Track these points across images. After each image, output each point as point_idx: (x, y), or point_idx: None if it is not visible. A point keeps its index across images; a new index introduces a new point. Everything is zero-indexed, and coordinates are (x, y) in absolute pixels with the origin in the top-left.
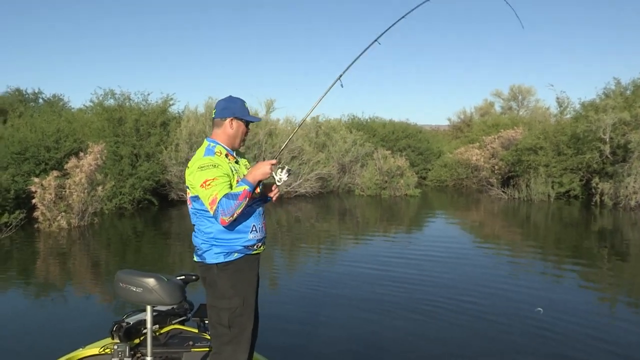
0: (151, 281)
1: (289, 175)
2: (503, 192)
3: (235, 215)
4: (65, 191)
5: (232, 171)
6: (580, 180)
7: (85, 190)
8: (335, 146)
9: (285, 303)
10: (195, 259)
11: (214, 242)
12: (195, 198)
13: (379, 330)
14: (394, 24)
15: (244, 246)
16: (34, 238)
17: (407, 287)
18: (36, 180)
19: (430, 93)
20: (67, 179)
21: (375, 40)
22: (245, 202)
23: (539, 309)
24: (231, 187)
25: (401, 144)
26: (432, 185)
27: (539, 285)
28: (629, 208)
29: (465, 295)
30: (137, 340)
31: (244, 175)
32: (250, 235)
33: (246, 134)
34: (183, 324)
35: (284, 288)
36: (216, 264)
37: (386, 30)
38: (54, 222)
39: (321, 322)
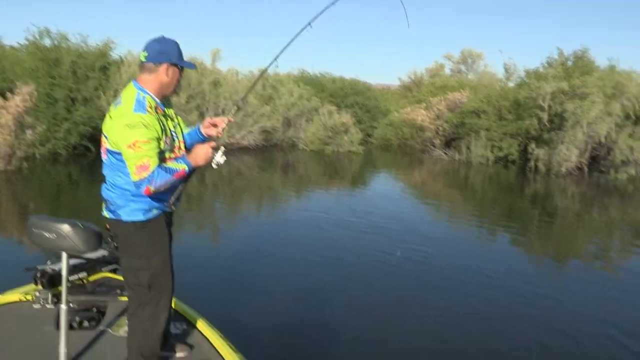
0: (65, 227)
1: (224, 158)
2: (445, 153)
3: (162, 189)
4: None
5: (162, 129)
6: (519, 145)
7: (13, 133)
8: (281, 99)
9: (223, 257)
10: (107, 214)
11: (131, 199)
12: (115, 153)
13: (318, 277)
14: None
15: (164, 204)
16: None
17: (346, 242)
18: None
19: (383, 52)
20: None
21: None
22: (176, 182)
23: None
24: (160, 149)
25: (349, 101)
26: (377, 143)
27: (474, 243)
28: (560, 175)
29: (402, 248)
30: (60, 288)
31: (184, 155)
32: (171, 195)
33: (179, 80)
34: (115, 273)
35: (223, 240)
36: (134, 221)
37: None
38: None
39: (259, 274)
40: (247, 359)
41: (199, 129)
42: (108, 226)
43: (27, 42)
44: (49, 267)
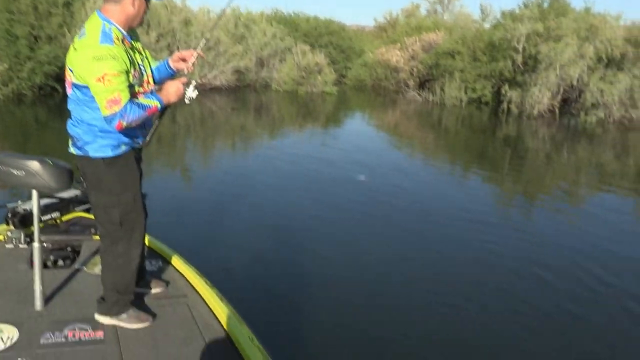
0: (34, 164)
1: (196, 93)
2: (418, 94)
3: (133, 125)
4: None
5: (130, 61)
6: (492, 87)
7: None
8: (254, 39)
9: (197, 196)
10: (74, 151)
11: (99, 134)
12: (81, 87)
13: (292, 213)
14: None
15: (133, 139)
16: None
17: (317, 180)
18: None
19: None
20: None
21: None
22: (148, 118)
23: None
24: (129, 83)
25: (323, 41)
26: (351, 84)
27: (445, 182)
28: (532, 117)
29: (376, 190)
30: (33, 227)
31: (154, 91)
32: (142, 131)
33: (146, 12)
34: (88, 212)
35: (196, 180)
36: (102, 158)
37: None
38: None
39: (232, 212)
40: (222, 294)
41: (167, 63)
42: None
43: None
44: (21, 206)
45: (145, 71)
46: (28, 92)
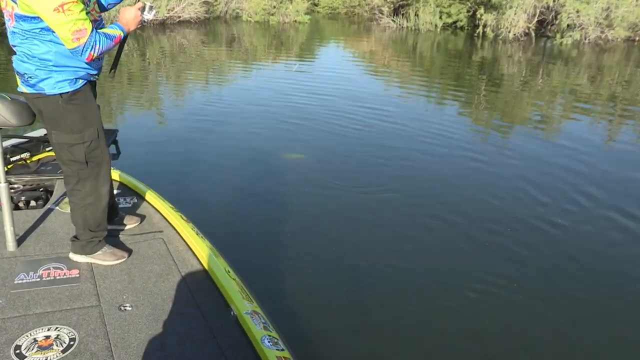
0: None
1: (154, 12)
2: (393, 20)
3: (100, 55)
4: None
5: None
6: (468, 11)
7: None
8: None
9: (169, 132)
10: (25, 89)
11: (54, 69)
12: (28, 18)
13: (265, 146)
14: None
15: (88, 73)
16: None
17: (299, 112)
18: None
19: None
20: None
21: None
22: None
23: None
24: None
25: None
26: (323, 12)
27: (418, 115)
28: (508, 40)
29: (353, 114)
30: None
31: (101, 17)
32: (95, 62)
33: None
34: None
35: (168, 117)
36: (60, 94)
37: None
38: None
39: (205, 148)
40: (197, 228)
41: None
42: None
43: None
44: None
45: None
46: None
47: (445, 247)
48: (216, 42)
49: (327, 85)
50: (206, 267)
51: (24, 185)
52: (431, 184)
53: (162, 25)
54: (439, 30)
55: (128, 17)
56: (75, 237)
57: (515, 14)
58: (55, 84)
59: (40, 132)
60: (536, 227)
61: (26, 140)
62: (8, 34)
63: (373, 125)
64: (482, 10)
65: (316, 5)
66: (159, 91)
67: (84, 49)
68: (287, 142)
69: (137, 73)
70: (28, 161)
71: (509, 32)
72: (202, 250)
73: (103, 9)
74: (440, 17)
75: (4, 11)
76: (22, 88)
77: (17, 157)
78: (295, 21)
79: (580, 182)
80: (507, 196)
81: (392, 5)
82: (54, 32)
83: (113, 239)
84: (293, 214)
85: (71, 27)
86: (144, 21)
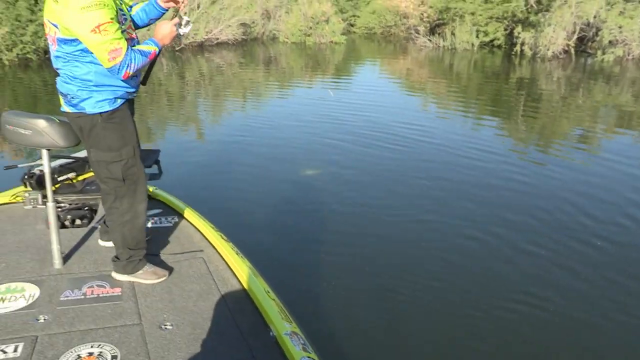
0: (41, 122)
1: (190, 26)
2: (429, 40)
3: (136, 72)
4: None
5: (118, 11)
6: (505, 29)
7: None
8: None
9: (208, 152)
10: (68, 109)
11: (94, 89)
12: (69, 41)
13: (303, 164)
14: None
15: (127, 92)
16: None
17: (336, 130)
18: None
19: None
20: None
21: None
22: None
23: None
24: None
25: None
26: (360, 32)
27: (457, 133)
28: (546, 58)
29: (390, 132)
30: (52, 188)
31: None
32: (133, 81)
33: None
34: None
35: (207, 136)
36: (100, 113)
37: None
38: None
39: (243, 166)
40: (237, 247)
41: (156, 2)
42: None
43: None
44: (37, 168)
45: (127, 16)
46: (33, 57)
47: (484, 268)
48: (253, 63)
49: (363, 103)
50: (246, 287)
51: (70, 204)
52: (469, 203)
53: (200, 47)
54: (475, 49)
55: (164, 32)
56: (116, 256)
57: (554, 31)
58: (95, 104)
59: (85, 153)
60: (577, 249)
61: (72, 160)
62: (52, 58)
63: (410, 143)
64: (519, 29)
65: (352, 25)
66: (196, 111)
67: (120, 67)
68: (325, 160)
69: (176, 93)
70: (74, 180)
71: (548, 49)
72: (241, 270)
73: (138, 27)
74: (477, 36)
75: (47, 37)
76: (65, 108)
77: (64, 177)
78: (332, 42)
79: (623, 202)
80: (546, 217)
81: (428, 25)
82: (92, 52)
83: (154, 258)
84: (331, 234)
85: (107, 47)
86: (180, 35)
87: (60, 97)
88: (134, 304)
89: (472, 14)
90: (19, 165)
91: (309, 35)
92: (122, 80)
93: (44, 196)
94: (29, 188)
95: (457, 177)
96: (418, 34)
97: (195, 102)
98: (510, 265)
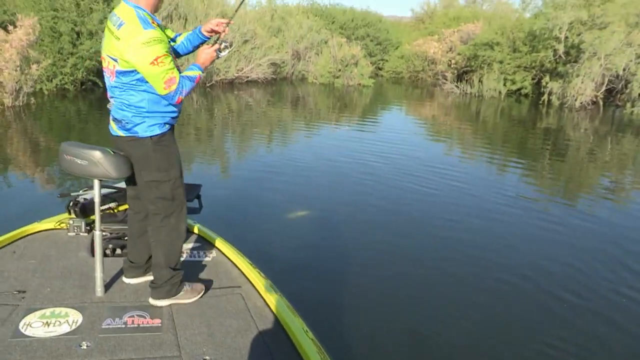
0: (97, 154)
1: (228, 50)
2: (456, 86)
3: (186, 96)
4: None
5: (169, 44)
6: (532, 79)
7: (18, 68)
8: (290, 31)
9: (238, 187)
10: (121, 133)
11: (146, 115)
12: (127, 72)
13: (333, 202)
14: None
15: (172, 117)
16: None
17: (364, 169)
18: None
19: None
20: None
21: None
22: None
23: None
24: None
25: (360, 33)
26: (387, 76)
27: (481, 181)
28: (574, 109)
29: (411, 180)
30: (93, 217)
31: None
32: (178, 107)
33: None
34: None
35: (239, 172)
36: (151, 137)
37: None
38: None
39: (273, 203)
40: (275, 284)
41: (200, 31)
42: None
43: None
44: (81, 196)
45: (171, 47)
46: (70, 87)
47: (512, 313)
48: (281, 102)
49: (389, 145)
50: (284, 325)
51: (110, 234)
52: (494, 247)
53: (230, 84)
54: (502, 96)
55: (205, 57)
56: (153, 282)
57: (582, 82)
58: (147, 128)
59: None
60: (605, 297)
61: (114, 190)
62: (108, 88)
63: (434, 186)
64: (547, 78)
65: (380, 69)
66: (225, 146)
67: (175, 94)
68: (353, 199)
69: (205, 129)
70: (115, 210)
71: (576, 100)
72: (280, 307)
73: (179, 55)
74: (505, 84)
75: (105, 70)
76: (119, 132)
77: (106, 207)
78: (360, 84)
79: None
80: (571, 265)
81: (455, 71)
82: (147, 82)
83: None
84: (367, 274)
85: (164, 77)
86: (218, 57)
87: (113, 123)
88: (174, 336)
89: (500, 62)
90: (72, 194)
91: (337, 77)
92: (172, 106)
93: (87, 224)
94: (73, 215)
95: (479, 220)
96: (445, 79)
97: (223, 137)
98: (536, 311)
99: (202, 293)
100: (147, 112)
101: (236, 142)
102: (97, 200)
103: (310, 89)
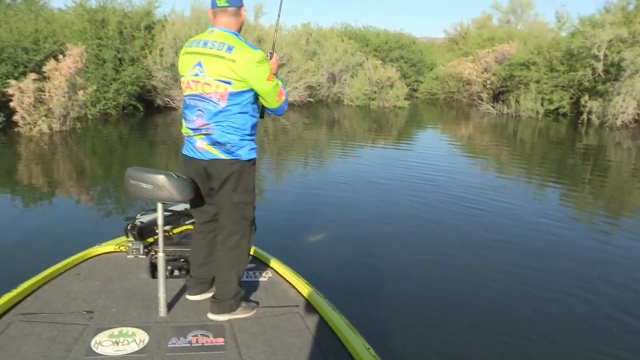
0: (161, 178)
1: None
2: (492, 107)
3: None
4: (45, 95)
5: None
6: (570, 98)
7: (66, 95)
8: (325, 55)
9: (286, 210)
10: (224, 156)
11: (247, 138)
12: (240, 93)
13: (374, 222)
14: None
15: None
16: (16, 142)
17: (394, 194)
18: (13, 83)
19: (429, 3)
20: (47, 82)
21: None
22: None
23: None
24: None
25: (394, 55)
26: (422, 97)
27: (521, 200)
28: (615, 127)
29: (449, 201)
30: (150, 239)
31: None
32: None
33: None
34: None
35: (276, 194)
36: (249, 159)
37: None
38: (34, 126)
39: (322, 221)
40: (333, 305)
41: None
42: (209, 168)
43: (74, 4)
44: (138, 219)
45: None
46: (113, 112)
47: (565, 331)
48: (318, 124)
49: (429, 166)
50: (345, 343)
51: (167, 256)
52: (543, 267)
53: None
54: (540, 116)
55: (274, 65)
56: (215, 297)
57: (623, 100)
58: (248, 151)
59: (180, 207)
60: None
61: (169, 213)
62: (208, 114)
63: (477, 205)
64: (586, 97)
65: (415, 90)
66: (260, 171)
67: (284, 104)
68: (398, 219)
69: None
70: (170, 233)
71: (617, 118)
72: (339, 325)
73: None
74: (542, 104)
75: (208, 95)
76: (220, 155)
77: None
78: (395, 106)
79: None
80: (613, 290)
81: (491, 92)
82: (253, 103)
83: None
84: (420, 293)
85: (276, 90)
86: None
87: (211, 147)
88: (238, 355)
89: (537, 82)
90: (136, 217)
91: (373, 99)
92: (256, 128)
93: (145, 247)
94: (130, 238)
95: (526, 240)
96: (481, 100)
97: (261, 159)
98: (589, 331)
99: (255, 310)
100: (249, 135)
101: (274, 165)
102: (160, 222)
103: (346, 111)
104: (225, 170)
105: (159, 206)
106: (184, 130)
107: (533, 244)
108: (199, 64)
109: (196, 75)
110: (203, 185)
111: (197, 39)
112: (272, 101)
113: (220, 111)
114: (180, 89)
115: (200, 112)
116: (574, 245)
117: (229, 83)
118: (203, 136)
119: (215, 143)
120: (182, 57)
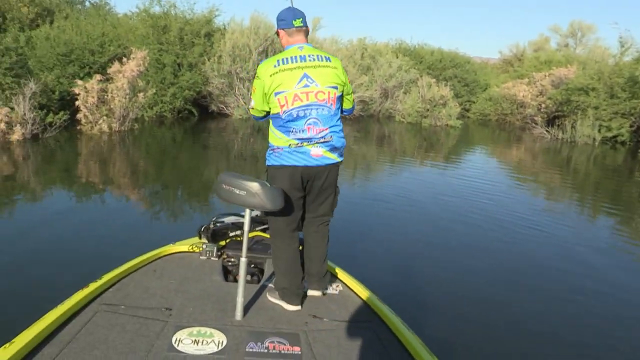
0: (255, 185)
1: None
2: (547, 131)
3: None
4: (107, 95)
5: None
6: (630, 126)
7: (127, 96)
8: (379, 70)
9: (357, 222)
10: (339, 159)
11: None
12: (340, 97)
13: (425, 241)
14: None
15: None
16: (78, 139)
17: (438, 215)
18: (80, 82)
19: (484, 23)
20: (110, 83)
21: None
22: None
23: None
24: None
25: (447, 74)
26: (474, 118)
27: (575, 228)
28: None
29: (495, 226)
30: (222, 243)
31: None
32: None
33: None
34: (265, 232)
35: (356, 207)
36: (341, 161)
37: None
38: (95, 125)
39: (400, 234)
40: (404, 321)
41: None
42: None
43: (138, 10)
44: (212, 223)
45: None
46: (168, 115)
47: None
48: (368, 139)
49: (472, 191)
50: None
51: (237, 261)
52: (596, 298)
53: None
54: (596, 143)
55: None
56: (318, 275)
57: None
58: (343, 152)
59: (252, 213)
60: None
61: (242, 218)
62: (324, 120)
63: (518, 230)
64: None
65: (467, 110)
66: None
67: (353, 107)
68: (457, 237)
69: None
70: (240, 238)
71: None
72: (414, 344)
73: None
74: (599, 131)
75: (322, 102)
76: (336, 159)
77: (233, 234)
78: (447, 125)
79: None
80: None
81: (546, 116)
82: (348, 99)
83: (324, 322)
84: (493, 310)
85: (352, 95)
86: None
87: (328, 152)
88: None
89: (596, 108)
90: (223, 220)
91: (425, 117)
92: None
93: (218, 249)
94: (203, 240)
95: (565, 268)
96: (535, 124)
97: None
98: None
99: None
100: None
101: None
102: (246, 228)
103: (397, 127)
104: (335, 170)
105: (247, 212)
106: (285, 142)
107: (587, 274)
108: (306, 76)
109: (306, 86)
110: (300, 191)
111: (286, 57)
112: (351, 101)
113: (333, 115)
114: (270, 106)
115: (315, 120)
116: (634, 279)
117: (336, 88)
118: (319, 144)
119: (333, 149)
120: (279, 74)
